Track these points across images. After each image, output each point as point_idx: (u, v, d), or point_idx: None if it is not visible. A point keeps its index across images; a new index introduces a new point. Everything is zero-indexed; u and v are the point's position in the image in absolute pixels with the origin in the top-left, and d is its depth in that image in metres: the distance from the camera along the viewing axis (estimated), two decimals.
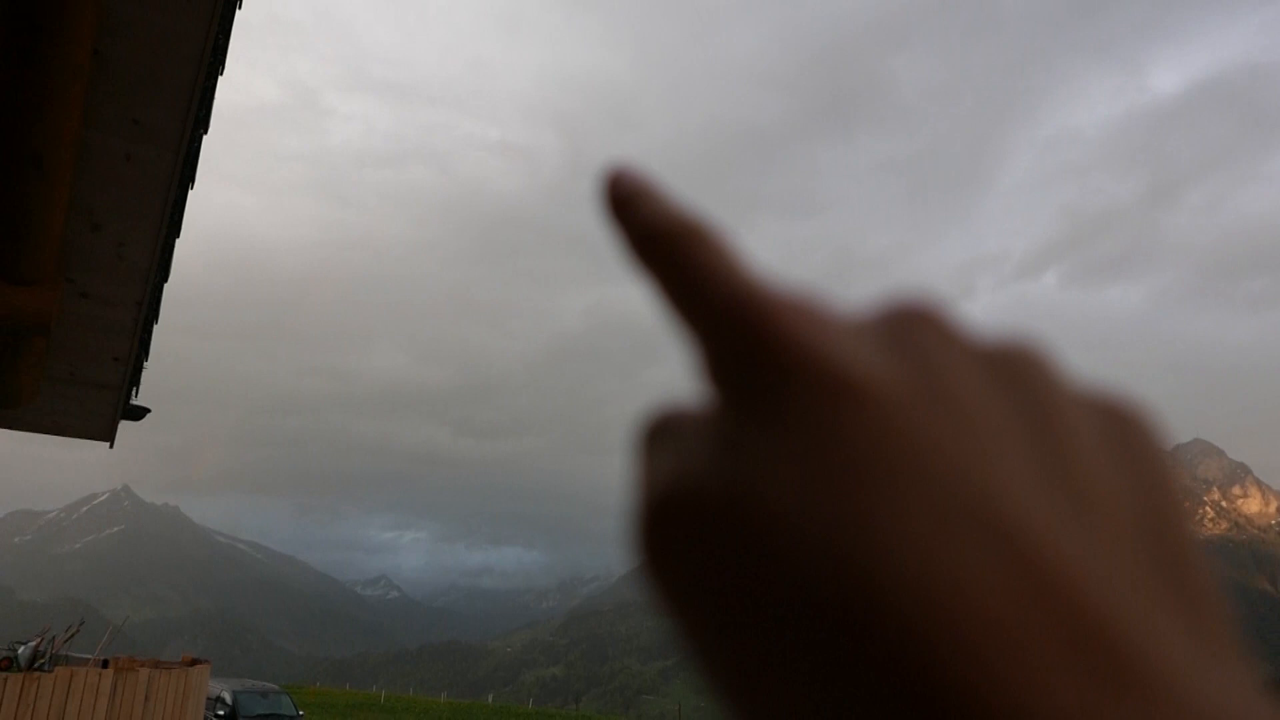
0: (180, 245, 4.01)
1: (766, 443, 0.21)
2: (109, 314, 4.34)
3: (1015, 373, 0.23)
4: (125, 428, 5.92)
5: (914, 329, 0.23)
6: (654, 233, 0.24)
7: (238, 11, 2.98)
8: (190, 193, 3.67)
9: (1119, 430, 0.23)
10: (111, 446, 6.16)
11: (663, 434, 0.24)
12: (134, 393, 5.32)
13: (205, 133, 3.38)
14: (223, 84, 3.20)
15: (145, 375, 5.17)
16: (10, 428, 5.83)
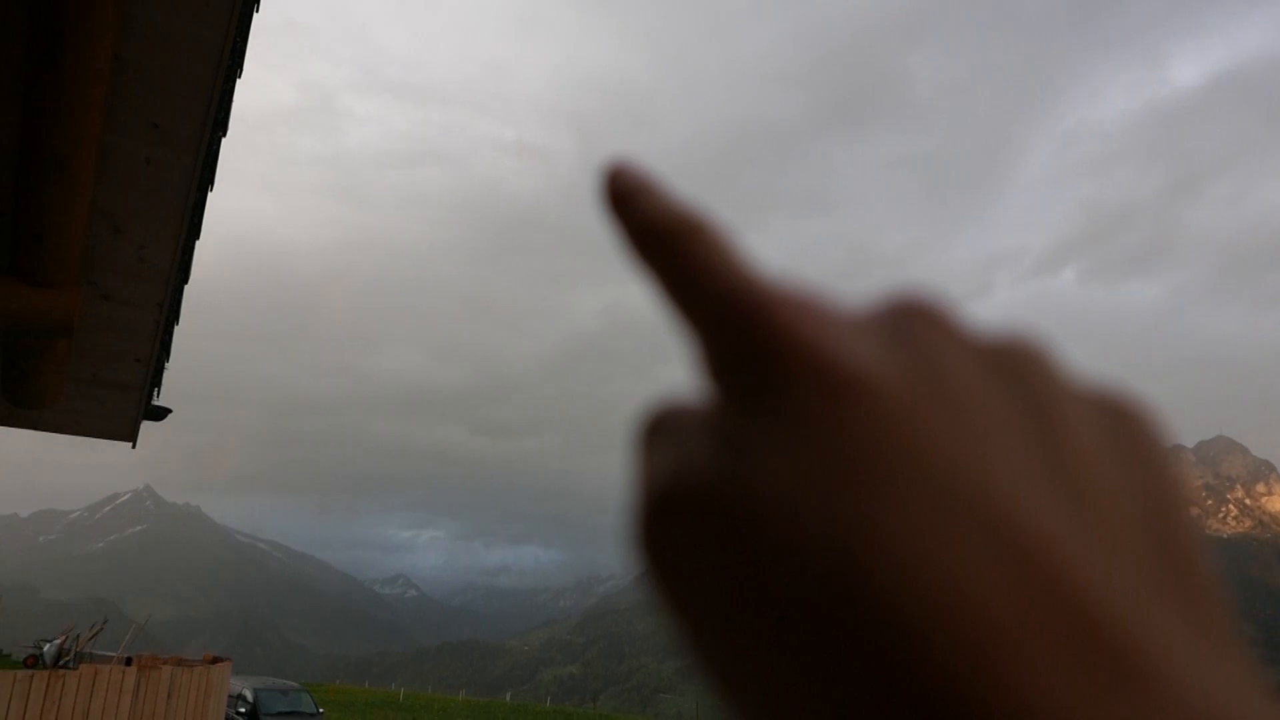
0: (200, 247, 4.04)
1: (766, 438, 0.21)
2: (130, 316, 4.38)
3: (1016, 369, 0.23)
4: (147, 428, 5.97)
5: (914, 325, 0.23)
6: (653, 228, 0.24)
7: (255, 15, 3.00)
8: (209, 195, 3.71)
9: (1120, 426, 0.23)
10: (134, 447, 6.20)
11: (662, 430, 0.24)
12: (155, 393, 5.37)
13: (224, 135, 3.40)
14: (240, 87, 3.22)
15: (166, 376, 5.20)
16: (35, 428, 5.89)
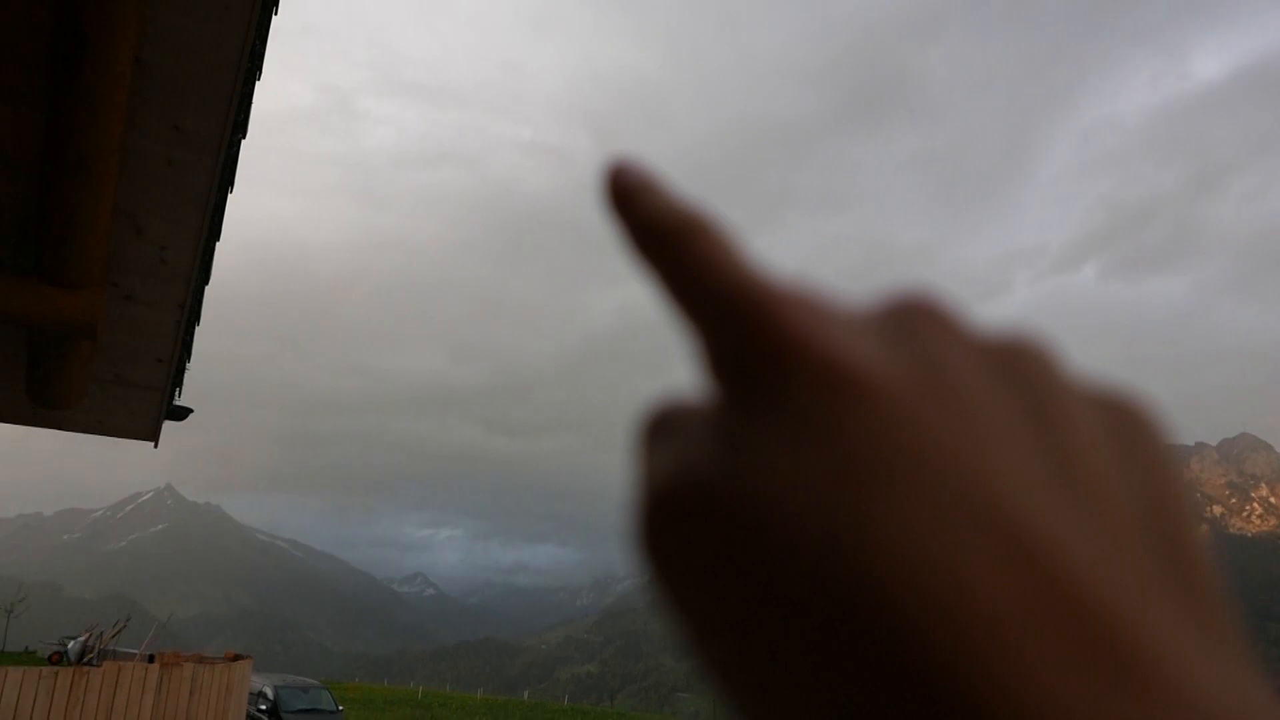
0: (220, 248, 4.08)
1: (767, 437, 0.21)
2: (152, 316, 4.42)
3: (1018, 367, 0.22)
4: (168, 428, 6.03)
5: (916, 323, 0.23)
6: (655, 227, 0.24)
7: (274, 18, 3.02)
8: (229, 196, 3.74)
9: (1123, 425, 0.23)
10: (156, 446, 6.26)
11: (663, 428, 0.24)
12: (177, 393, 5.41)
13: (244, 137, 3.43)
14: (259, 89, 3.25)
15: (187, 376, 5.25)
16: (59, 428, 5.96)
